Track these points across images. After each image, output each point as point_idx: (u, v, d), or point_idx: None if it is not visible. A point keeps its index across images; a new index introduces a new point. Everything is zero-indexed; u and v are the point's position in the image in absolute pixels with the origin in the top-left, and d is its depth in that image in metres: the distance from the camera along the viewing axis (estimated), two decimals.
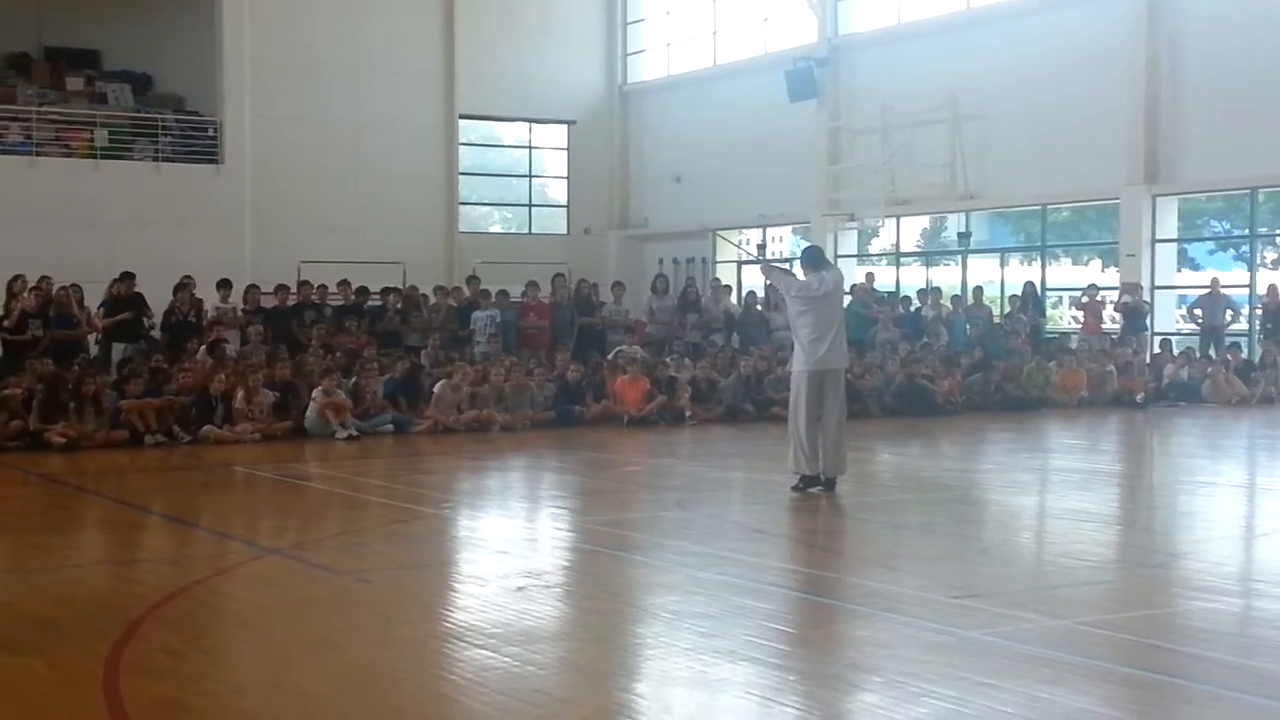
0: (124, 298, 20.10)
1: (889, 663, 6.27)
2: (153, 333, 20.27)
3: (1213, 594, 7.84)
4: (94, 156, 26.74)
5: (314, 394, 17.50)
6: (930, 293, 25.56)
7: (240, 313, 20.88)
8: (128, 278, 20.17)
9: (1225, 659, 6.35)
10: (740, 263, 30.96)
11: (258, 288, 21.51)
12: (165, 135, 27.40)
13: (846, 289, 22.70)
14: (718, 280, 26.39)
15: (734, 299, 25.23)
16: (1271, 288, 23.38)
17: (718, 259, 31.49)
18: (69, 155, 26.74)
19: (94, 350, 19.94)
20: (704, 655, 6.42)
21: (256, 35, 28.34)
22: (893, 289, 26.96)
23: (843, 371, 12.25)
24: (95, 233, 25.25)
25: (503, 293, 22.43)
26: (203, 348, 19.23)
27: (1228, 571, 8.77)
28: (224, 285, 21.12)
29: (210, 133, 27.85)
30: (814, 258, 12.48)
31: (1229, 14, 23.12)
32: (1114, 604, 7.74)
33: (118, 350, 19.81)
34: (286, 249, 26.29)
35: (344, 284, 22.24)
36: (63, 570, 9.03)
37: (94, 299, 20.18)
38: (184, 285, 20.61)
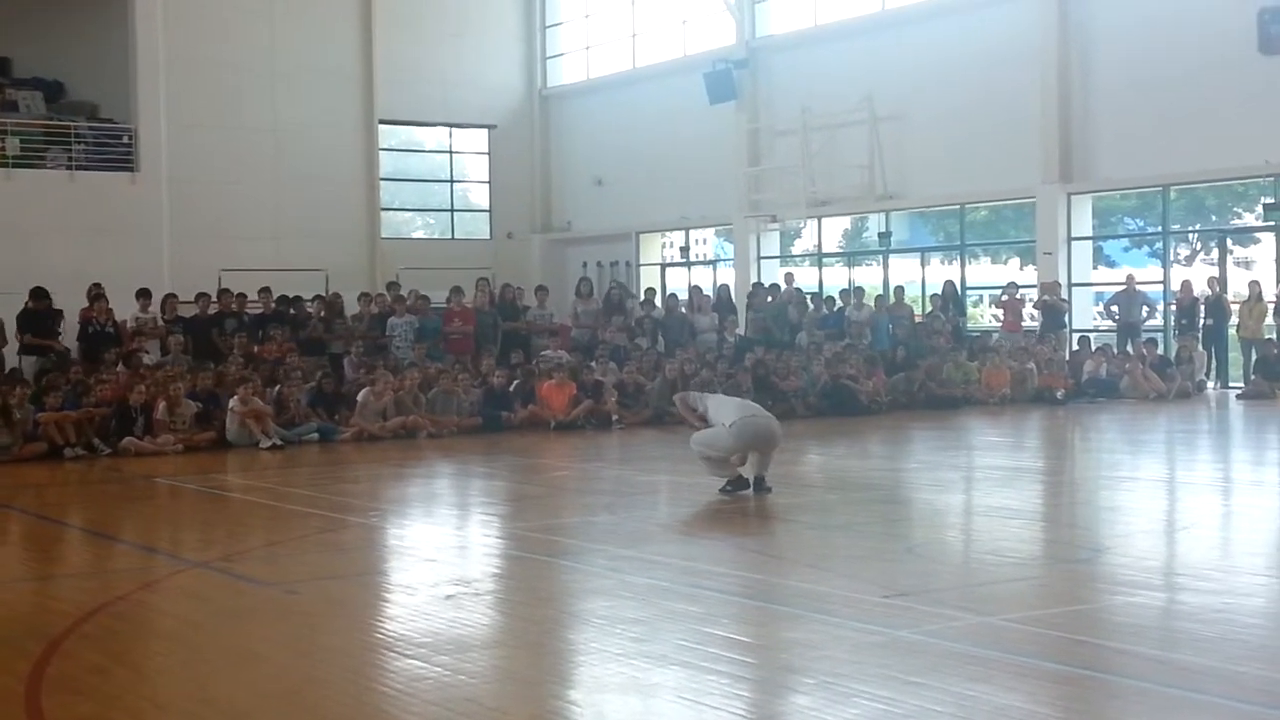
0: (38, 313, 19.76)
1: (820, 663, 6.30)
2: (60, 339, 19.94)
3: (1136, 589, 7.94)
4: (6, 165, 26.26)
5: (230, 403, 17.27)
6: (854, 293, 25.69)
7: (160, 322, 20.61)
8: (41, 295, 19.81)
9: (1150, 653, 6.43)
10: (664, 265, 31.01)
11: (176, 297, 21.24)
12: (79, 143, 26.97)
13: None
14: (628, 288, 26.29)
15: (657, 301, 25.25)
16: (1185, 284, 23.81)
17: (641, 262, 31.52)
18: None
19: (9, 363, 19.59)
20: (636, 660, 6.42)
21: (170, 41, 27.93)
22: (815, 290, 27.13)
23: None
24: (8, 243, 24.83)
25: (423, 298, 22.27)
26: (120, 360, 18.96)
27: (1151, 566, 8.88)
28: (143, 295, 20.84)
29: (125, 140, 27.45)
30: None
31: (1139, 15, 23.49)
32: (1040, 600, 7.81)
33: (31, 363, 19.47)
34: (206, 258, 26.00)
35: (265, 292, 22.02)
36: None
37: (7, 311, 19.82)
38: (99, 295, 20.30)
